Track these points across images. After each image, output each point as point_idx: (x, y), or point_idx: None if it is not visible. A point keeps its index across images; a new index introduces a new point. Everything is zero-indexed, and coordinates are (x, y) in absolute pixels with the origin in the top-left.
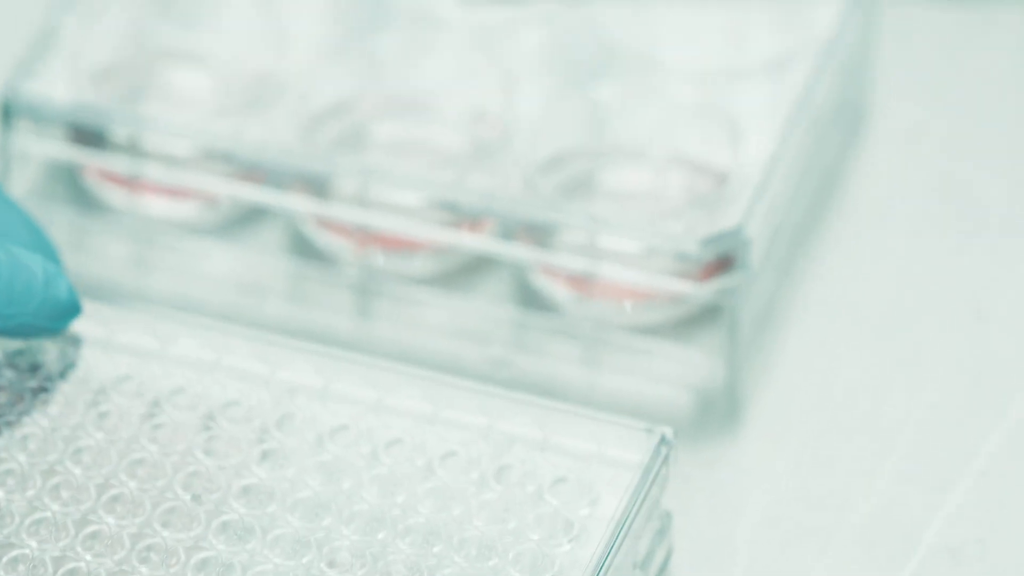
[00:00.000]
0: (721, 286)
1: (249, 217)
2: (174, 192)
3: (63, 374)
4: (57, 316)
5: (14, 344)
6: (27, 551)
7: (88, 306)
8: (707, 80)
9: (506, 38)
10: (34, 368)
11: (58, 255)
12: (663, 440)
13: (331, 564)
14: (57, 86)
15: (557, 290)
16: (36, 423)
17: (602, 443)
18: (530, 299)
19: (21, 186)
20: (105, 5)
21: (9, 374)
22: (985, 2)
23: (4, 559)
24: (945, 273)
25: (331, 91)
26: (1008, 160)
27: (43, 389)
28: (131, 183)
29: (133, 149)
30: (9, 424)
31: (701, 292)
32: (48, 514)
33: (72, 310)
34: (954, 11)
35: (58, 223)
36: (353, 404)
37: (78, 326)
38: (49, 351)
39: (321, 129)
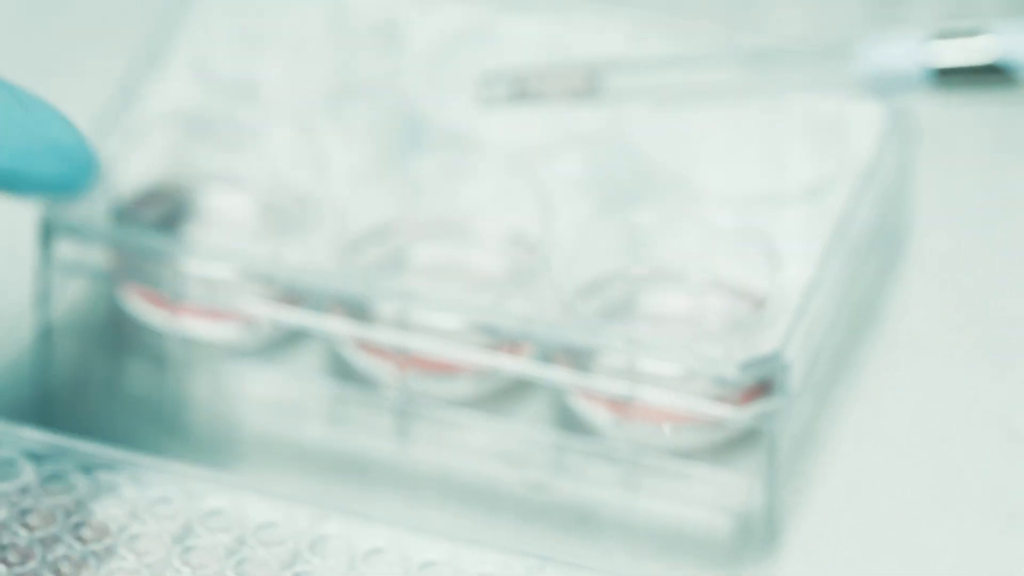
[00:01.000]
0: (760, 410)
1: (288, 339)
2: (214, 314)
3: (94, 495)
4: (70, 162)
5: (48, 467)
6: None
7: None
8: (745, 204)
9: (543, 162)
10: (67, 490)
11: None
12: None
13: None
14: (98, 207)
15: (596, 413)
16: (69, 546)
17: None
18: (569, 422)
19: (60, 307)
20: (146, 128)
21: (41, 495)
22: None
23: None
24: (984, 400)
25: (370, 214)
26: None
27: (73, 511)
28: (171, 304)
29: (173, 271)
30: (43, 544)
31: (740, 416)
32: None
33: (89, 160)
34: (993, 135)
35: (97, 344)
36: (387, 526)
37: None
38: (80, 474)
39: (360, 252)
